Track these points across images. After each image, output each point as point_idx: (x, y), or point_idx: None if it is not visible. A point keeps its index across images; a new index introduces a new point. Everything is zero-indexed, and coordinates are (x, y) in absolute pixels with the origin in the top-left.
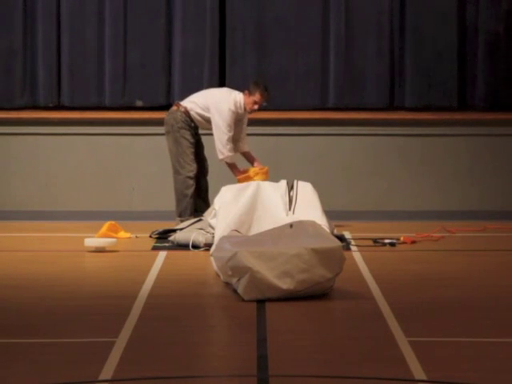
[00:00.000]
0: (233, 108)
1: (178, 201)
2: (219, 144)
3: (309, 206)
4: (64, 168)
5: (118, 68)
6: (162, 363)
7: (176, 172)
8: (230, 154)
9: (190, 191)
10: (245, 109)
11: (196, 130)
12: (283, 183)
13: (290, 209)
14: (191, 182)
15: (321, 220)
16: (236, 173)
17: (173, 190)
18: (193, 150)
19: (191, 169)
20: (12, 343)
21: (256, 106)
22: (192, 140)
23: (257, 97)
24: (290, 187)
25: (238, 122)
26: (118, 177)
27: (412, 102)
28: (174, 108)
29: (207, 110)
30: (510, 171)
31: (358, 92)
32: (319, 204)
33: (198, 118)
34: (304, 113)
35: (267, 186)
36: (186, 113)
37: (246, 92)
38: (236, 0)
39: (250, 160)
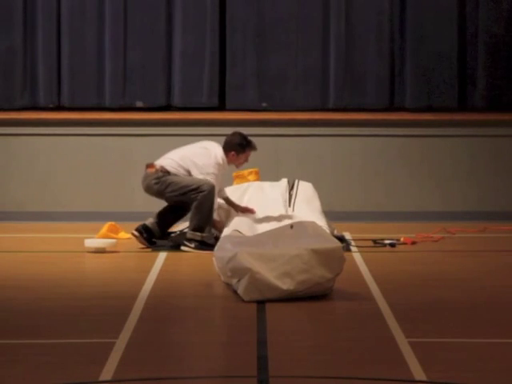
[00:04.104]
0: (221, 162)
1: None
2: (206, 175)
3: (308, 203)
4: (64, 168)
5: (118, 69)
6: (162, 364)
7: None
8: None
9: None
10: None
11: None
12: (284, 182)
13: (289, 205)
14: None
15: (320, 220)
16: (234, 206)
17: None
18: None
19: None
20: (12, 343)
21: (246, 162)
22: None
23: (247, 154)
24: (291, 186)
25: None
26: (118, 177)
27: (412, 103)
28: (150, 171)
29: (189, 173)
30: (510, 171)
31: (358, 93)
32: (319, 204)
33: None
34: (304, 113)
35: (267, 186)
36: (163, 169)
37: (233, 153)
38: (236, 0)
39: (233, 205)
